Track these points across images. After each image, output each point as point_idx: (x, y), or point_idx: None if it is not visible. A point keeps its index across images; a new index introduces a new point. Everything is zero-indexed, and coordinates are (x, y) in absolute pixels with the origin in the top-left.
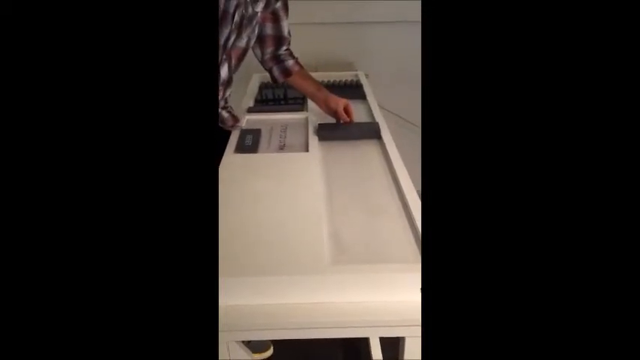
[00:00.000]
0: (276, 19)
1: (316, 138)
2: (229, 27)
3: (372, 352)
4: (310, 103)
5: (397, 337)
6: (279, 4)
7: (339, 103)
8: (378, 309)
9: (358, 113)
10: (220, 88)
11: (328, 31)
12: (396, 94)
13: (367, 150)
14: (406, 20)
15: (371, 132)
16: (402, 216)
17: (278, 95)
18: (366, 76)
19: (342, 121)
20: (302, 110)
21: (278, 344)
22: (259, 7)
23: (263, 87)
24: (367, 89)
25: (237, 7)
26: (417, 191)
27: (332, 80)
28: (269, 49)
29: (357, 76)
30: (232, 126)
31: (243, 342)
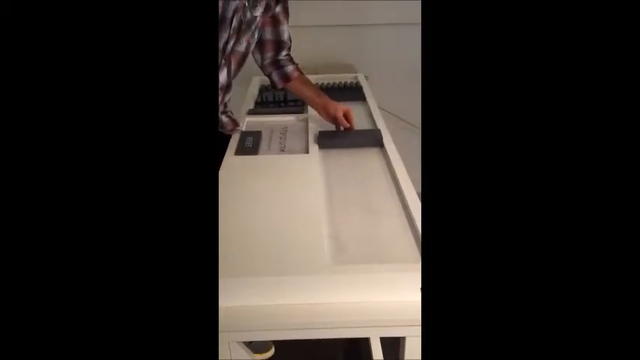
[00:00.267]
0: (275, 24)
1: (316, 140)
2: (227, 32)
3: (373, 352)
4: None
5: (398, 337)
6: (279, 9)
7: (339, 109)
8: (378, 309)
9: (358, 115)
10: (219, 92)
11: (328, 34)
12: (395, 95)
13: (367, 151)
14: (405, 22)
15: (373, 139)
16: (401, 216)
17: (278, 97)
18: (366, 78)
19: (342, 128)
20: (302, 112)
21: (279, 344)
22: (258, 12)
23: (263, 89)
24: (367, 91)
25: (235, 11)
26: (417, 192)
27: (332, 82)
28: (269, 54)
29: (356, 78)
30: (232, 130)
31: (244, 342)
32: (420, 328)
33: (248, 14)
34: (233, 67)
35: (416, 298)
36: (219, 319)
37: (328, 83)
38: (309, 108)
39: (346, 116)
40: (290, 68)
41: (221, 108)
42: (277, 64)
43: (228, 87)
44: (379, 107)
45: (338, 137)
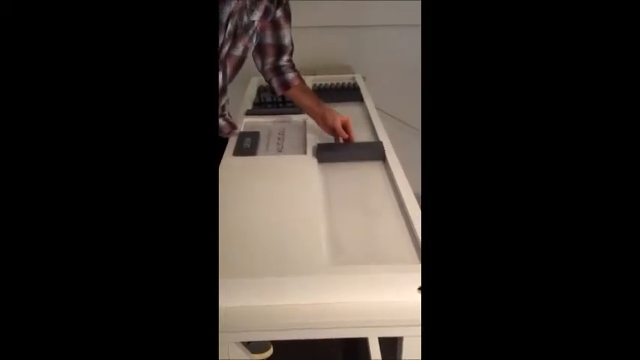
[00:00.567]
0: (276, 28)
1: (314, 141)
2: (223, 36)
3: (371, 352)
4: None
5: (396, 337)
6: (280, 13)
7: (337, 118)
8: (376, 309)
9: (356, 116)
10: None
11: (326, 34)
12: (393, 96)
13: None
14: (403, 23)
15: (375, 153)
16: (399, 217)
17: (276, 98)
18: (364, 78)
19: (340, 140)
20: (300, 113)
21: (278, 345)
22: (256, 17)
23: (261, 90)
24: (365, 92)
25: (230, 16)
26: (416, 193)
27: (330, 83)
28: (269, 59)
29: (354, 79)
30: (229, 133)
31: (243, 343)
32: (418, 328)
33: (245, 18)
34: (229, 70)
35: (414, 298)
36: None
37: (326, 84)
38: None
39: (345, 127)
40: (291, 75)
41: (219, 111)
42: (278, 71)
43: (223, 90)
44: (377, 108)
45: (337, 150)
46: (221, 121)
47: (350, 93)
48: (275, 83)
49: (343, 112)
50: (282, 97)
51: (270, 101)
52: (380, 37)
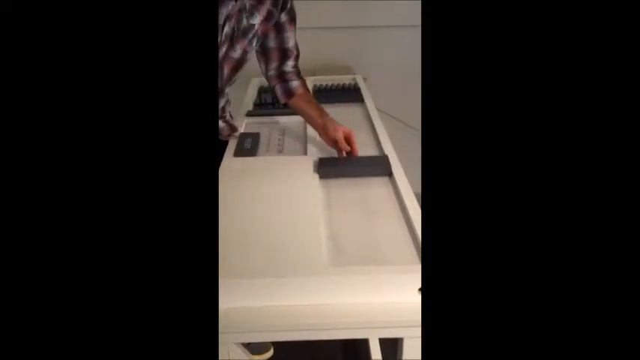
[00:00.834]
0: (279, 31)
1: (315, 142)
2: (220, 38)
3: (372, 353)
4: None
5: (396, 338)
6: (284, 17)
7: (339, 130)
8: (376, 310)
9: (356, 117)
10: None
11: (326, 35)
12: (394, 97)
13: (365, 151)
14: (404, 24)
15: (380, 168)
16: (400, 217)
17: (277, 99)
18: (364, 79)
19: (343, 153)
20: None
21: (278, 345)
22: (256, 20)
23: (262, 91)
24: (365, 93)
25: (227, 18)
26: (416, 193)
27: (330, 84)
28: (273, 64)
29: (354, 79)
30: (229, 135)
31: (243, 344)
32: (418, 329)
33: (244, 21)
34: (226, 72)
35: (414, 299)
36: (219, 321)
37: (326, 85)
38: None
39: (348, 139)
40: (295, 84)
41: (219, 113)
42: (282, 77)
43: (220, 92)
44: (377, 109)
45: (340, 165)
46: (220, 123)
47: (350, 94)
48: (278, 90)
49: (344, 112)
50: None
51: (271, 102)
52: (380, 38)
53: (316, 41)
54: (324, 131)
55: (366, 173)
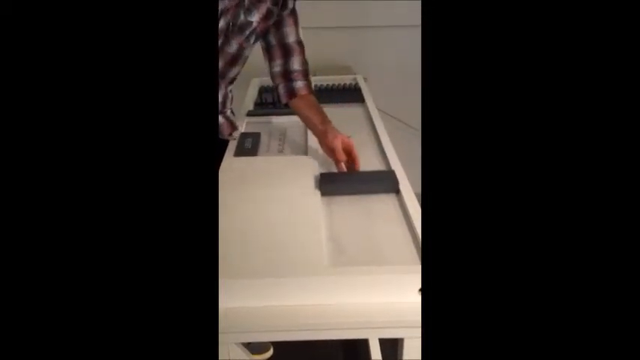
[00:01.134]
0: (279, 27)
1: (315, 142)
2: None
3: (372, 354)
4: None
5: (396, 339)
6: (286, 14)
7: (338, 138)
8: (376, 310)
9: (357, 117)
10: None
11: (327, 35)
12: (394, 97)
13: (366, 152)
14: (404, 24)
15: (387, 185)
16: (400, 218)
17: (277, 99)
18: (365, 79)
19: (341, 165)
20: None
21: (278, 345)
22: (254, 17)
23: (263, 91)
24: (366, 93)
25: (222, 13)
26: (416, 193)
27: (330, 84)
28: (277, 61)
29: (355, 79)
30: (230, 135)
31: (243, 343)
32: (418, 329)
33: (241, 17)
34: (221, 65)
35: (414, 299)
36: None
37: (327, 85)
38: None
39: (347, 150)
40: (299, 84)
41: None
42: (287, 77)
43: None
44: (378, 109)
45: (343, 181)
46: (220, 119)
47: (351, 94)
48: (281, 90)
49: (344, 112)
50: None
51: (272, 102)
52: (381, 38)
53: (317, 41)
54: (323, 139)
55: (371, 190)
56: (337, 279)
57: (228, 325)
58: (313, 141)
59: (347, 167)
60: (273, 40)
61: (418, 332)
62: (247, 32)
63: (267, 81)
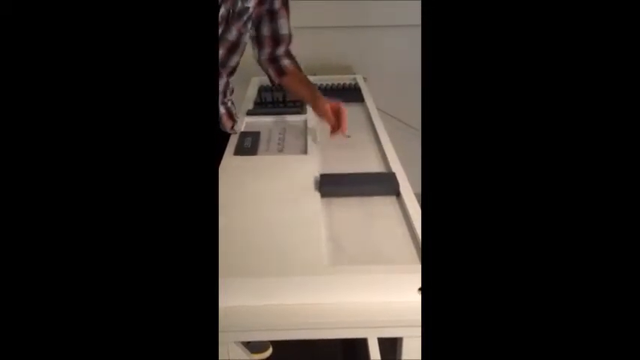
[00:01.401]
0: (273, 19)
1: (315, 141)
2: (220, 19)
3: (371, 353)
4: (309, 106)
5: (395, 338)
6: (278, 4)
7: (327, 105)
8: (376, 310)
9: (357, 117)
10: None
11: (327, 35)
12: (394, 97)
13: (365, 152)
14: (404, 24)
15: (387, 186)
16: (400, 217)
17: (277, 98)
18: (364, 79)
19: (330, 125)
20: (301, 113)
21: (277, 344)
22: (250, 3)
23: (262, 90)
24: (365, 93)
25: (222, 0)
26: (416, 194)
27: (330, 83)
28: (266, 50)
29: (355, 79)
30: (232, 129)
31: (242, 342)
32: (418, 328)
33: (239, 4)
34: (221, 53)
35: (414, 298)
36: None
37: (327, 84)
38: (308, 109)
39: (337, 114)
40: (286, 62)
41: (220, 97)
42: (274, 60)
43: (218, 75)
44: (377, 109)
45: (344, 183)
46: (221, 109)
47: (351, 93)
48: (271, 72)
49: None
50: (283, 97)
51: (271, 101)
52: (381, 38)
53: (317, 41)
54: (314, 107)
55: (372, 192)
56: (337, 278)
57: (228, 324)
58: (313, 140)
59: (334, 129)
60: (266, 31)
61: (417, 331)
62: (245, 18)
63: (266, 80)
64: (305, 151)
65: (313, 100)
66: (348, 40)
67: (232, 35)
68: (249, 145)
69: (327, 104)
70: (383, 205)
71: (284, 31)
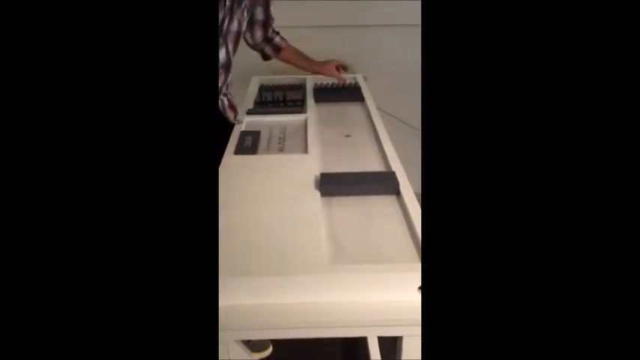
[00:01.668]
0: (267, 5)
1: (315, 140)
2: (223, 12)
3: (371, 352)
4: (309, 106)
5: (395, 337)
6: None
7: (322, 65)
8: (376, 308)
9: (356, 116)
10: (220, 71)
11: (327, 34)
12: (394, 96)
13: (366, 151)
14: (404, 23)
15: (387, 186)
16: (400, 216)
17: (277, 97)
18: (365, 78)
19: (330, 84)
20: (301, 112)
21: (277, 343)
22: None
23: (262, 89)
24: (365, 92)
25: None
26: (416, 193)
27: (330, 82)
28: (259, 33)
29: (355, 78)
30: (235, 118)
31: (242, 341)
32: (418, 327)
33: None
34: (230, 47)
35: (414, 297)
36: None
37: (327, 84)
38: (309, 108)
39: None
40: (278, 39)
41: (223, 89)
42: (267, 39)
43: (228, 66)
44: (377, 108)
45: (344, 182)
46: (226, 100)
47: (351, 93)
48: (268, 50)
49: (344, 111)
50: (284, 96)
51: (271, 100)
52: (381, 37)
53: (317, 40)
54: (312, 70)
55: (372, 191)
56: (337, 277)
57: (228, 322)
58: (313, 140)
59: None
60: (260, 16)
61: (417, 330)
62: (243, 6)
63: (267, 79)
64: (305, 151)
65: (311, 66)
66: (348, 39)
67: (234, 26)
68: (250, 144)
69: (330, 65)
70: (383, 204)
71: (272, 14)
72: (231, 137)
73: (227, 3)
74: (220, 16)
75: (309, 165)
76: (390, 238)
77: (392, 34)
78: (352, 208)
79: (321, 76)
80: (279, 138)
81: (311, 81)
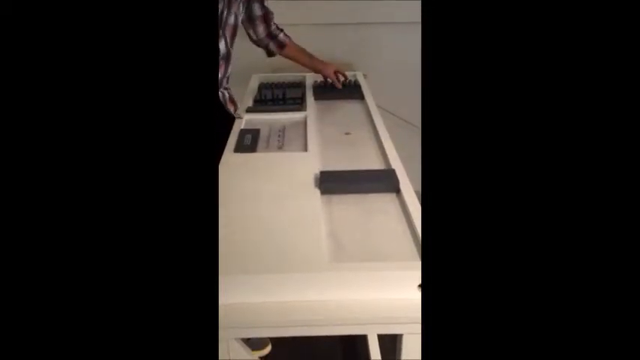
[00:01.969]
0: (263, 1)
1: (315, 138)
2: (222, 4)
3: (371, 350)
4: (309, 104)
5: (395, 335)
6: None
7: (325, 66)
8: (376, 306)
9: (356, 114)
10: (220, 62)
11: (327, 32)
12: (394, 94)
13: (365, 149)
14: (404, 21)
15: (387, 184)
16: (400, 214)
17: (277, 95)
18: (364, 76)
19: (329, 82)
20: (301, 110)
21: (277, 341)
22: None
23: (262, 87)
24: (365, 90)
25: None
26: (416, 191)
27: (331, 80)
28: (261, 28)
29: (355, 76)
30: (235, 112)
31: (242, 339)
32: (418, 325)
33: None
34: (229, 39)
35: (414, 295)
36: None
37: (327, 81)
38: (308, 106)
39: (336, 73)
40: (282, 36)
41: (224, 82)
42: (271, 35)
43: (228, 57)
44: (377, 106)
45: (344, 180)
46: (226, 93)
47: (351, 90)
48: (272, 46)
49: (344, 109)
50: (283, 94)
51: (271, 98)
52: (381, 35)
53: (317, 38)
54: (315, 69)
55: (372, 189)
56: (336, 275)
57: (228, 321)
58: (313, 138)
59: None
60: (258, 11)
61: (417, 328)
62: (239, 0)
63: (266, 77)
64: (305, 149)
65: (313, 65)
66: (349, 37)
67: (232, 18)
68: (249, 142)
69: (331, 68)
70: (383, 202)
71: (269, 7)
72: (231, 135)
73: None
74: (220, 7)
75: (309, 163)
76: (390, 236)
77: (392, 31)
78: (352, 206)
79: (320, 74)
80: (279, 136)
81: (311, 79)
